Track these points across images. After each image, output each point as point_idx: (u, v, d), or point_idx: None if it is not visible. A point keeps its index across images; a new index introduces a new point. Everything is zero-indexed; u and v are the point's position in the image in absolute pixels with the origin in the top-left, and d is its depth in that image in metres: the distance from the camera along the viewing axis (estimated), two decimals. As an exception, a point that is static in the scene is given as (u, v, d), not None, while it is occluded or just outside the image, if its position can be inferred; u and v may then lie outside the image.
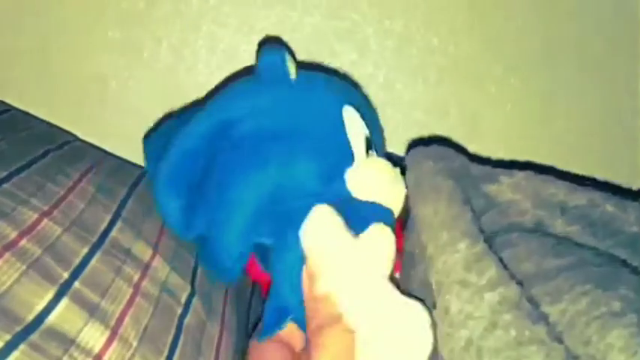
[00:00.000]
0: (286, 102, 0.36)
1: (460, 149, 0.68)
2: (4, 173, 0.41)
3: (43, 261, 0.36)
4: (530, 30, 0.68)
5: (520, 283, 0.33)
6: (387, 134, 0.50)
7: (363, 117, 0.38)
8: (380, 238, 0.35)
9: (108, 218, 0.44)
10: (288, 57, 0.36)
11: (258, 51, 0.37)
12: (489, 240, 0.36)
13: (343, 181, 0.36)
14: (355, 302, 0.33)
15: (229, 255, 0.37)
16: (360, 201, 0.36)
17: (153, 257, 0.43)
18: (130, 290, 0.39)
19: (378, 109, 0.51)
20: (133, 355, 0.35)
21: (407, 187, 0.41)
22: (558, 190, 0.40)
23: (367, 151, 0.37)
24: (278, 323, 0.36)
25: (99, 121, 0.65)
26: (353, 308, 0.33)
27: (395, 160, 0.40)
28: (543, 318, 0.30)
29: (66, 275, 0.36)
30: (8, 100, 0.59)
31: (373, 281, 0.34)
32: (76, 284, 0.36)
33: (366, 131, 0.37)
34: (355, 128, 0.36)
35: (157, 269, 0.43)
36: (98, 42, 0.64)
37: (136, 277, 0.40)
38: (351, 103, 0.37)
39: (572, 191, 0.39)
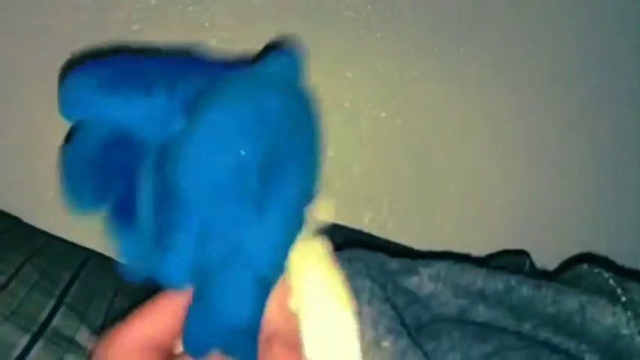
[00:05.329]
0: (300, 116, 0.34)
1: (373, 240, 0.69)
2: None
3: (-20, 354, 0.35)
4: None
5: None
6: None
7: None
8: None
9: (51, 305, 0.43)
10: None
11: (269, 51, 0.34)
12: (415, 333, 0.37)
13: None
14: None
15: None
16: None
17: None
18: (72, 380, 0.38)
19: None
20: None
21: None
22: (476, 277, 0.41)
23: None
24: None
25: (44, 203, 0.64)
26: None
27: None
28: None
29: (3, 368, 0.35)
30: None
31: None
32: (14, 377, 0.35)
33: None
34: None
35: (102, 356, 0.42)
36: (45, 123, 0.64)
37: (78, 366, 0.39)
38: None
39: (489, 277, 0.41)
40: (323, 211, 0.36)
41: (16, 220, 0.57)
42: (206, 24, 0.64)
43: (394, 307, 0.36)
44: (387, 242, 0.66)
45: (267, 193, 0.32)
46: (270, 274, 0.32)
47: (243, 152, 0.31)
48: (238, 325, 0.32)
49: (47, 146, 0.64)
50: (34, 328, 0.39)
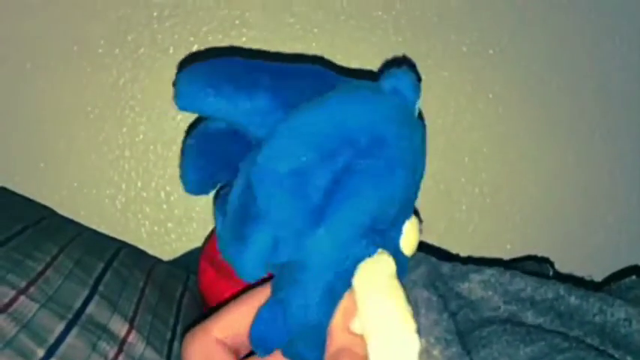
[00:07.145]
0: (413, 133, 0.35)
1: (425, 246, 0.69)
2: (-17, 250, 0.41)
3: (19, 339, 0.36)
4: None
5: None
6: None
7: None
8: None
9: (85, 293, 0.44)
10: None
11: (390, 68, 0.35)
12: (465, 338, 0.37)
13: (399, 232, 0.35)
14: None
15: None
16: (403, 255, 0.35)
17: (129, 333, 0.43)
18: (106, 367, 0.39)
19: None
20: None
21: None
22: (526, 285, 0.41)
23: None
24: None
25: (75, 195, 0.66)
26: None
27: None
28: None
29: (41, 353, 0.36)
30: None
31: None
32: (51, 362, 0.36)
33: None
34: None
35: (133, 345, 0.43)
36: (76, 116, 0.66)
37: (111, 354, 0.40)
38: None
39: (539, 285, 0.41)
40: (407, 235, 0.36)
41: (49, 211, 0.58)
42: (236, 22, 0.65)
43: (451, 313, 0.37)
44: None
45: (329, 204, 0.32)
46: (336, 283, 0.33)
47: (304, 158, 0.32)
48: (305, 328, 0.33)
49: (77, 139, 0.66)
50: (70, 315, 0.41)
